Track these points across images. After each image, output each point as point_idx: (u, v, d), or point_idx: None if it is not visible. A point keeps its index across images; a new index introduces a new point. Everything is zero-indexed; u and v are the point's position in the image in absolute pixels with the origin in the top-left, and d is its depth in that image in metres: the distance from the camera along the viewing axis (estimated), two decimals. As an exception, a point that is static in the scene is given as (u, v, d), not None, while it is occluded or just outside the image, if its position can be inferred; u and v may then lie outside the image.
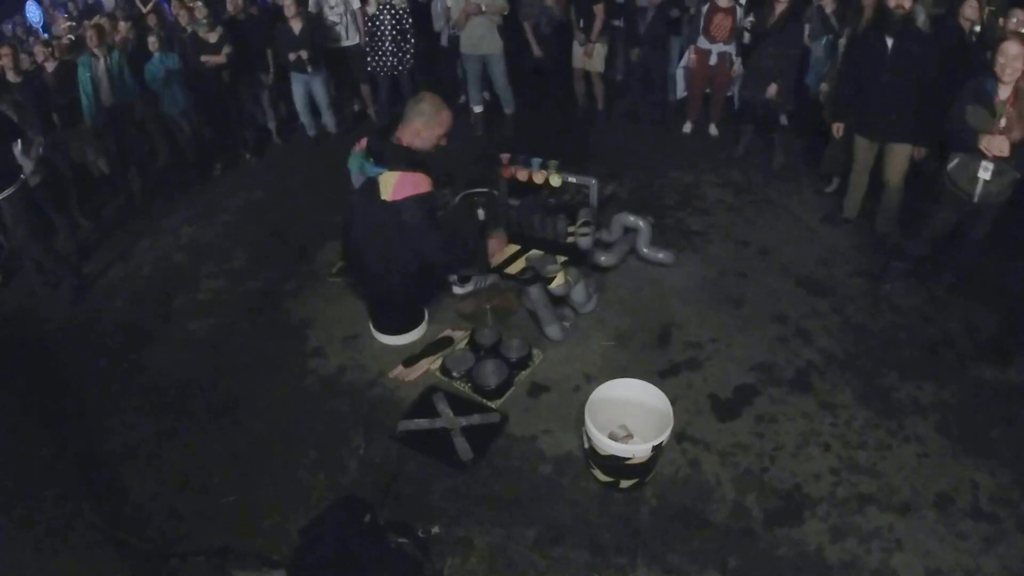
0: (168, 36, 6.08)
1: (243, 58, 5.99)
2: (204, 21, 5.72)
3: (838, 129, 4.35)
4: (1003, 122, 3.17)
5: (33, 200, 4.40)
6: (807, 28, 5.08)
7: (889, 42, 3.86)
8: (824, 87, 4.78)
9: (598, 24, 5.85)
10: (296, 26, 5.78)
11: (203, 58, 5.73)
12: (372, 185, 3.16)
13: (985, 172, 3.27)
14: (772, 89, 5.03)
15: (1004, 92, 3.20)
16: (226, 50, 5.76)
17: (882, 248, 4.20)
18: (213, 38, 5.76)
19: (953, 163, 3.40)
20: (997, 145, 3.14)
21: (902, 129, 3.97)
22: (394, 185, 3.09)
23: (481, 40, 5.77)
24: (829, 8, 4.87)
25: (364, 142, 3.28)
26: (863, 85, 4.04)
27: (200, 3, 5.79)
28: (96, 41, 5.45)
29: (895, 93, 3.90)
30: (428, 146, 3.24)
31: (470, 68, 6.03)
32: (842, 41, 4.55)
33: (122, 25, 6.36)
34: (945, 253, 3.79)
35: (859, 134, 4.22)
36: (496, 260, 3.55)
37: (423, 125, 3.18)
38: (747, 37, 5.23)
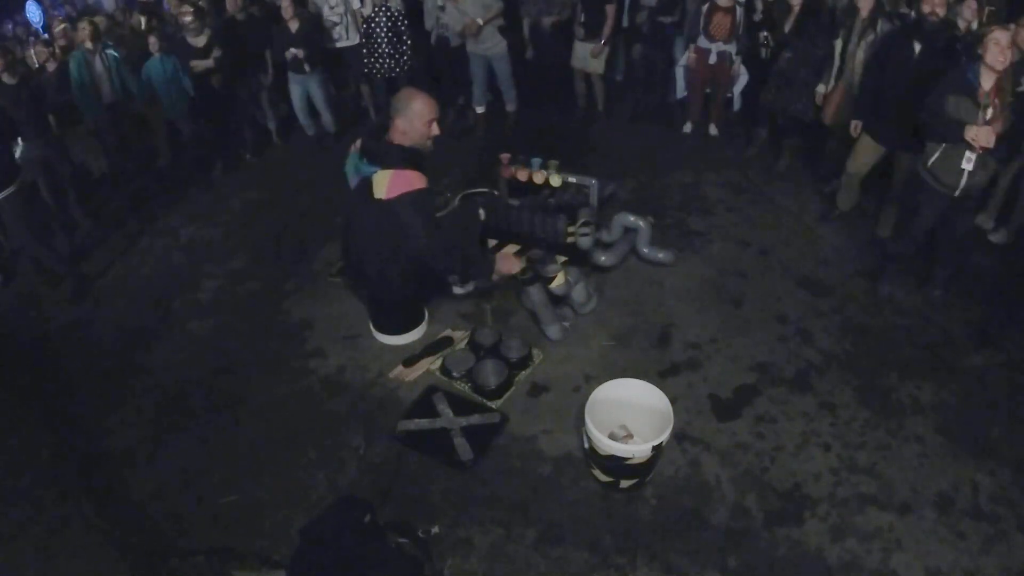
0: (169, 38, 6.07)
1: (242, 58, 5.99)
2: (192, 26, 5.68)
3: (855, 127, 4.31)
4: (989, 113, 3.18)
5: (33, 200, 4.40)
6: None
7: (916, 48, 3.83)
8: (820, 88, 4.75)
9: (610, 25, 5.84)
10: (293, 26, 5.78)
11: (192, 63, 5.70)
12: (367, 185, 3.15)
13: (968, 163, 3.27)
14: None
15: (988, 83, 3.20)
16: (215, 54, 5.73)
17: (881, 248, 4.20)
18: (201, 42, 5.72)
19: (935, 157, 3.37)
20: (984, 136, 3.13)
21: (914, 139, 3.93)
22: (388, 183, 3.07)
23: (486, 40, 5.80)
24: (838, 9, 4.84)
25: (359, 143, 3.27)
26: (883, 88, 4.01)
27: (187, 7, 5.75)
28: (90, 37, 5.43)
29: (913, 101, 3.85)
30: (419, 141, 3.18)
31: (475, 67, 6.05)
32: (837, 43, 4.53)
33: (135, 19, 6.35)
34: (935, 251, 3.79)
35: (869, 134, 4.20)
36: (502, 274, 3.44)
37: (403, 122, 3.13)
38: (764, 52, 5.14)
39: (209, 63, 5.71)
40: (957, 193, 3.37)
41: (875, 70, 4.11)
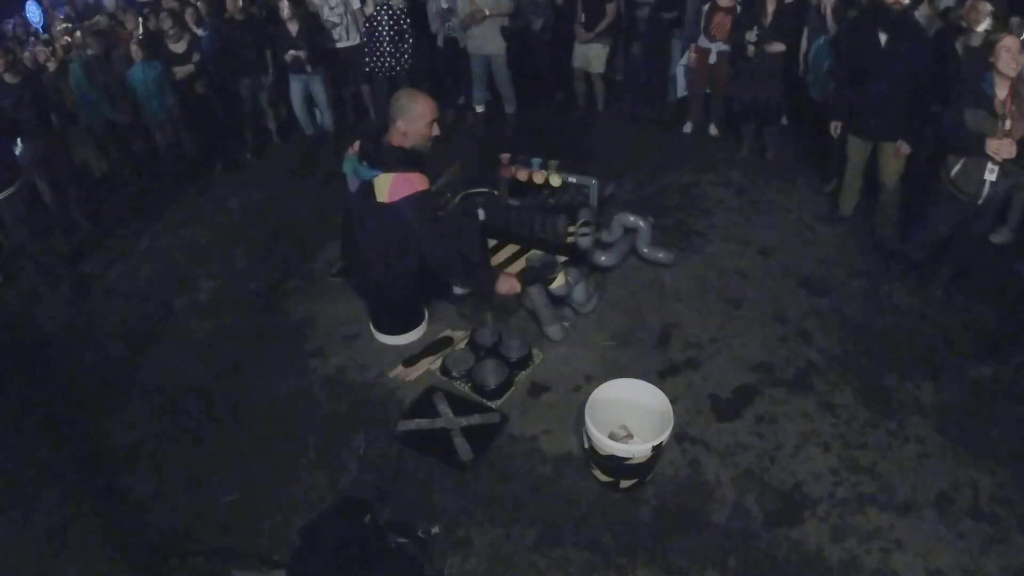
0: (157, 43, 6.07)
1: (242, 59, 5.99)
2: (171, 32, 5.65)
3: (835, 128, 4.34)
4: (1007, 124, 3.17)
5: (33, 200, 4.40)
6: (806, 30, 5.09)
7: (883, 38, 3.85)
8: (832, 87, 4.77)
9: (605, 22, 5.85)
10: (293, 28, 5.78)
11: (174, 69, 5.68)
12: (368, 188, 3.13)
13: (991, 174, 3.27)
14: (779, 46, 4.95)
15: (1002, 91, 3.19)
16: (195, 58, 5.72)
17: (881, 248, 4.20)
18: (181, 48, 5.70)
19: (957, 168, 3.37)
20: (1006, 149, 3.13)
21: (893, 128, 3.96)
22: (390, 186, 3.06)
23: (486, 40, 5.81)
24: (829, 7, 4.87)
25: (357, 145, 3.26)
26: (855, 82, 4.03)
27: (164, 14, 5.74)
28: (91, 42, 5.44)
29: (886, 91, 3.87)
30: (419, 142, 3.17)
31: (475, 67, 6.05)
32: None
33: (130, 21, 6.35)
34: (942, 251, 3.79)
35: (851, 133, 4.21)
36: (502, 293, 3.39)
37: (404, 123, 3.12)
38: (751, 51, 5.16)
39: (190, 68, 5.70)
40: (980, 201, 3.37)
41: (845, 67, 4.13)
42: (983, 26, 4.00)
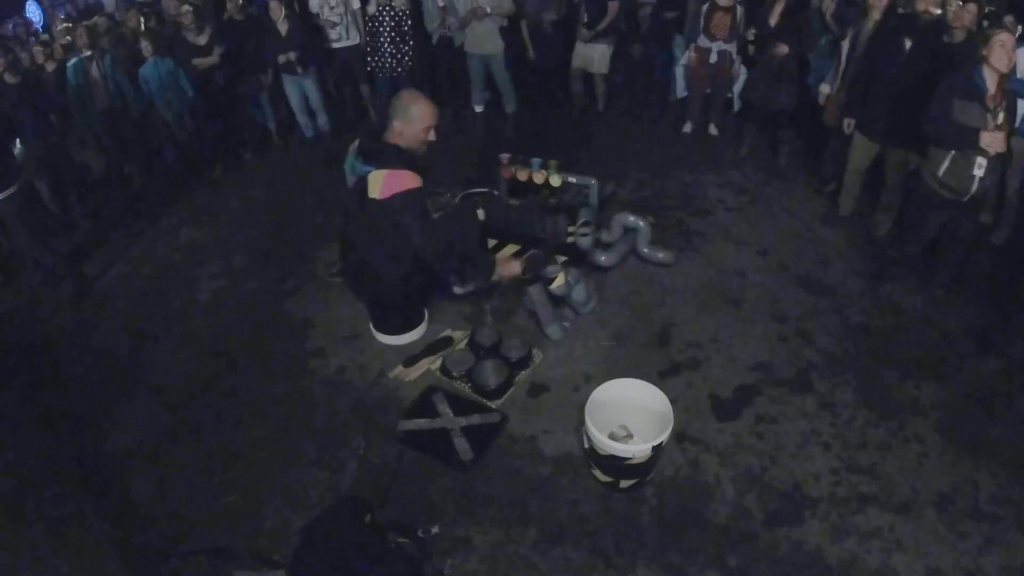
0: (166, 39, 6.06)
1: (242, 59, 5.99)
2: (191, 26, 5.67)
3: (849, 124, 4.32)
4: (1000, 117, 3.17)
5: (33, 200, 4.40)
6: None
7: (907, 44, 3.84)
8: (824, 88, 4.77)
9: (606, 21, 5.85)
10: (283, 28, 5.77)
11: (194, 61, 5.69)
12: (362, 184, 3.16)
13: (980, 169, 3.26)
14: (783, 49, 4.92)
15: (992, 85, 3.20)
16: (217, 51, 5.73)
17: (881, 248, 4.20)
18: (202, 40, 5.73)
19: (945, 166, 3.35)
20: (999, 141, 3.14)
21: (904, 133, 3.95)
22: (382, 183, 3.07)
23: (484, 40, 5.80)
24: (829, 10, 4.88)
25: (358, 142, 3.28)
26: (873, 83, 4.03)
27: (186, 8, 5.74)
28: (87, 43, 5.43)
29: (902, 95, 3.87)
30: (415, 144, 3.18)
31: (473, 67, 6.05)
32: (844, 43, 4.54)
33: (132, 20, 6.34)
34: (938, 252, 3.79)
35: (860, 132, 4.21)
36: (503, 277, 3.47)
37: (401, 123, 3.13)
38: (751, 49, 5.13)
39: (214, 59, 5.72)
40: (966, 199, 3.36)
41: (866, 67, 4.12)
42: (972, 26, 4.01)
